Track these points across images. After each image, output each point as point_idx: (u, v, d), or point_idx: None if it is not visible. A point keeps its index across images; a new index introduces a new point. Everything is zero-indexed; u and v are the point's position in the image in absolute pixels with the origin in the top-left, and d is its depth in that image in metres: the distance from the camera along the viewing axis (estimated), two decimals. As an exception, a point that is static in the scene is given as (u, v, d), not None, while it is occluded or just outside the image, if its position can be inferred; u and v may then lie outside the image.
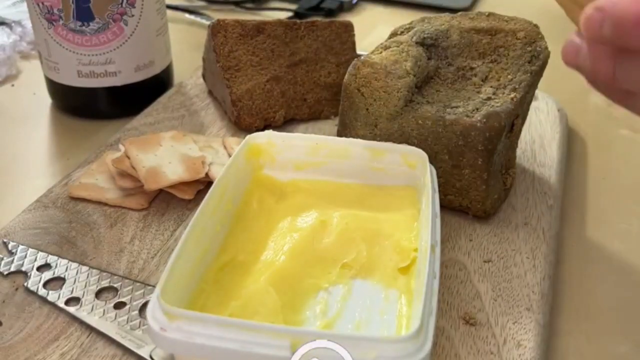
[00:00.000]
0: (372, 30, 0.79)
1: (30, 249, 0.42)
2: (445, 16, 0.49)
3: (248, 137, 0.43)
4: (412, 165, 0.42)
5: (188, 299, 0.35)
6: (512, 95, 0.43)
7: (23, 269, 0.41)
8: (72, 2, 0.53)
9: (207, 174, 0.47)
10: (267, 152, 0.44)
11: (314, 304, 0.36)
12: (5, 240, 0.43)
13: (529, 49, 0.46)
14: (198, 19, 0.82)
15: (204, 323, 0.30)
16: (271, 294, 0.35)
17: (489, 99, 0.44)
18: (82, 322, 0.37)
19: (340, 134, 0.47)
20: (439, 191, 0.44)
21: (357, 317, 0.35)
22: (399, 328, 0.34)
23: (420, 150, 0.42)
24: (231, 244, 0.39)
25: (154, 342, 0.30)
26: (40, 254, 0.42)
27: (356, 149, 0.43)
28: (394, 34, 0.49)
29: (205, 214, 0.37)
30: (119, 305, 0.38)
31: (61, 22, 0.54)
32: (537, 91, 0.56)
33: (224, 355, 0.29)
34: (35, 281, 0.40)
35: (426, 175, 0.40)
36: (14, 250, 0.42)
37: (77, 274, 0.40)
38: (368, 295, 0.37)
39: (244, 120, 0.55)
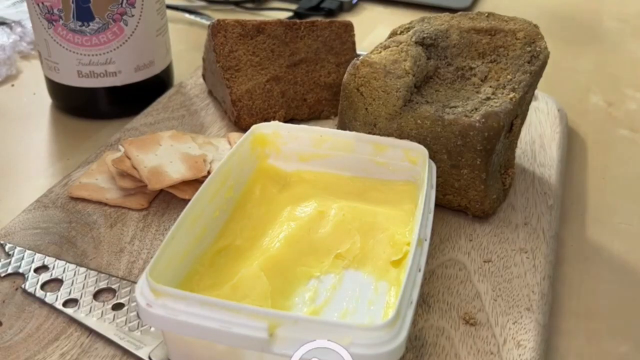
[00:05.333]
0: (372, 30, 0.79)
1: (28, 251, 0.42)
2: (445, 16, 0.49)
3: (254, 126, 0.44)
4: (414, 161, 0.43)
5: (180, 279, 0.36)
6: (511, 95, 0.43)
7: (20, 270, 0.41)
8: (72, 2, 0.53)
9: (208, 172, 0.47)
10: (272, 143, 0.45)
11: (304, 291, 0.37)
12: (2, 242, 0.43)
13: (529, 49, 0.46)
14: (198, 19, 0.82)
15: (187, 301, 0.31)
16: (262, 279, 0.36)
17: (488, 99, 0.44)
18: (81, 323, 0.37)
19: (339, 133, 0.47)
20: (438, 191, 0.44)
21: (345, 306, 0.36)
22: (384, 318, 0.35)
23: (421, 147, 0.42)
24: (230, 230, 0.40)
25: (141, 317, 0.32)
26: (38, 255, 0.42)
27: (360, 143, 0.44)
28: (393, 34, 0.49)
29: (203, 198, 0.38)
30: (118, 307, 0.38)
31: (61, 22, 0.54)
32: (537, 91, 0.56)
33: (204, 333, 0.30)
34: (32, 283, 0.40)
35: (425, 171, 0.40)
36: (11, 252, 0.42)
37: (74, 275, 0.40)
38: (358, 286, 0.37)
39: (244, 120, 0.55)
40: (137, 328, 0.37)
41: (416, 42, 0.46)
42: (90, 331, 0.37)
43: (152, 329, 0.37)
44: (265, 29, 0.57)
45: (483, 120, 0.42)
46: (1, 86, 0.66)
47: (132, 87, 0.59)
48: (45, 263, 0.41)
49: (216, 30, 0.56)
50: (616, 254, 0.46)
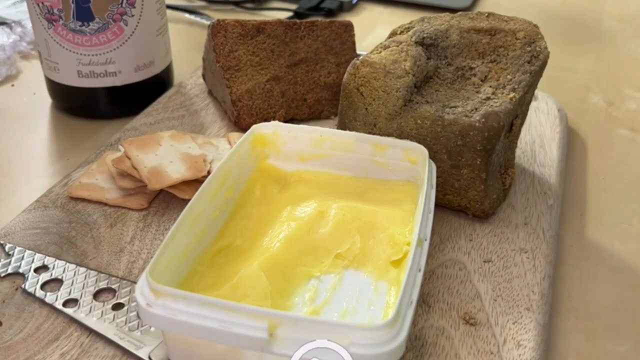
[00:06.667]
0: (372, 30, 0.79)
1: (28, 251, 0.42)
2: (445, 16, 0.49)
3: (254, 126, 0.44)
4: (414, 161, 0.43)
5: (180, 279, 0.36)
6: (511, 95, 0.43)
7: (20, 270, 0.41)
8: (72, 2, 0.53)
9: (208, 172, 0.47)
10: (272, 143, 0.45)
11: (303, 291, 0.37)
12: (2, 242, 0.43)
13: (529, 49, 0.46)
14: (198, 19, 0.82)
15: (188, 301, 0.31)
16: (262, 279, 0.36)
17: (488, 99, 0.44)
18: (81, 323, 0.37)
19: (339, 133, 0.47)
20: (438, 190, 0.44)
21: (345, 306, 0.36)
22: (384, 318, 0.35)
23: (421, 147, 0.42)
24: (230, 230, 0.40)
25: (141, 317, 0.32)
26: (38, 255, 0.42)
27: (359, 143, 0.44)
28: (393, 34, 0.49)
29: (203, 198, 0.38)
30: (118, 307, 0.38)
31: (61, 22, 0.54)
32: (537, 91, 0.56)
33: (204, 333, 0.30)
34: (32, 283, 0.40)
35: (425, 171, 0.40)
36: (11, 252, 0.42)
37: (74, 275, 0.40)
38: (358, 286, 0.37)
39: (244, 120, 0.55)
40: (137, 328, 0.37)
41: (416, 42, 0.46)
42: (90, 331, 0.37)
43: (152, 329, 0.37)
44: (265, 29, 0.57)
45: (483, 120, 0.42)
46: (1, 86, 0.66)
47: (132, 87, 0.59)
48: (45, 263, 0.41)
49: (216, 30, 0.56)
50: (616, 254, 0.46)
